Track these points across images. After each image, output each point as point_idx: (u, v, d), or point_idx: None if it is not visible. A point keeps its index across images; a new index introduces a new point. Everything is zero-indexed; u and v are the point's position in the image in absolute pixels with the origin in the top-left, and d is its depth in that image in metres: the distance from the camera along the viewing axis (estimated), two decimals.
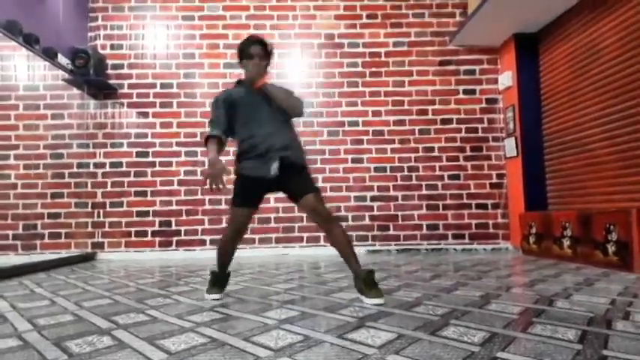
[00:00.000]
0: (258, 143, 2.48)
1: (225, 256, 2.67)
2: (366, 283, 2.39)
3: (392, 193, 5.39)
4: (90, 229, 5.23)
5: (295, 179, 2.52)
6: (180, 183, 5.34)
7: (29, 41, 4.18)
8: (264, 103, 2.54)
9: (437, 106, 5.48)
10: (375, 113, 5.47)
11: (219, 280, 2.65)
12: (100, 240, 5.26)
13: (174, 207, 5.31)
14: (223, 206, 5.29)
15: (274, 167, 2.45)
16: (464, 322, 1.89)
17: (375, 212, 5.36)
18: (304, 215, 5.27)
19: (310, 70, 5.51)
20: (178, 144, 5.38)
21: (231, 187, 2.57)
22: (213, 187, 2.39)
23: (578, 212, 4.00)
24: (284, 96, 2.55)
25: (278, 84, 2.65)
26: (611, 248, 3.53)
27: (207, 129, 2.65)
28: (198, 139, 5.36)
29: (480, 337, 1.66)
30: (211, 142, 2.52)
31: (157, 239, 5.28)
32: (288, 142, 2.53)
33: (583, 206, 4.34)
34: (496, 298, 2.42)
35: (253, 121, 2.52)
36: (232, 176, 2.54)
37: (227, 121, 2.56)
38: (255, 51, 2.53)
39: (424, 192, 5.39)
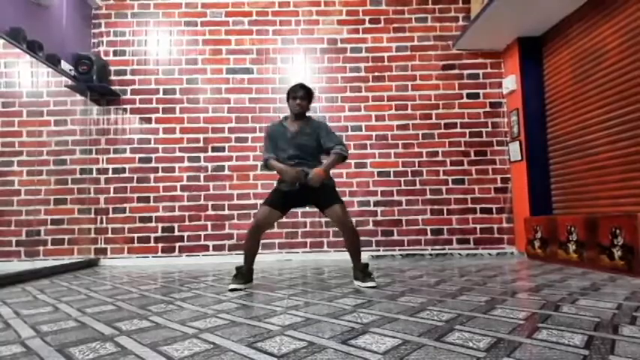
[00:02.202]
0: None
1: (246, 245, 3.17)
2: (364, 272, 3.14)
3: (396, 197, 5.37)
4: (93, 235, 5.23)
5: (319, 193, 3.15)
6: (183, 188, 5.34)
7: (33, 48, 4.20)
8: (295, 138, 3.22)
9: (440, 111, 5.47)
10: (379, 118, 5.46)
11: (240, 273, 3.12)
12: (103, 246, 5.26)
13: (177, 212, 5.31)
14: (226, 212, 5.29)
15: (297, 185, 3.16)
16: (469, 327, 1.88)
17: (379, 217, 5.35)
18: (307, 220, 5.28)
19: (313, 75, 5.52)
20: (181, 149, 5.39)
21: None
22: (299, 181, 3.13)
23: (584, 216, 3.97)
24: (335, 164, 3.26)
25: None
26: (617, 253, 3.50)
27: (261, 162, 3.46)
28: (201, 144, 5.38)
29: (485, 342, 1.64)
30: (272, 161, 3.21)
31: (160, 245, 5.28)
32: (309, 169, 3.15)
33: (588, 210, 4.31)
34: (501, 303, 2.40)
35: (285, 150, 3.23)
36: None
37: (273, 147, 3.30)
38: (298, 94, 3.22)
39: (428, 196, 5.37)
